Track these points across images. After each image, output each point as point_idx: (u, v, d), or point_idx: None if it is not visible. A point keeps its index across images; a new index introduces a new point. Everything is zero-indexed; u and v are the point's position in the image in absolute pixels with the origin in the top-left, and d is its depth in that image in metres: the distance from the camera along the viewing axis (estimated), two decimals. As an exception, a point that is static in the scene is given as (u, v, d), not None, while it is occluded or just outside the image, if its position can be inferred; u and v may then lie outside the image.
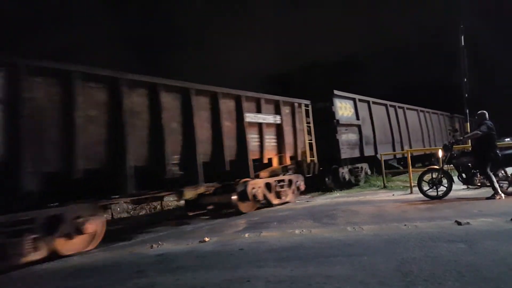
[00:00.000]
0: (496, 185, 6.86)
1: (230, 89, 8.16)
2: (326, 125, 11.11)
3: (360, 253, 3.91)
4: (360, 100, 12.95)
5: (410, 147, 14.99)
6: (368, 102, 13.37)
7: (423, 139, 17.15)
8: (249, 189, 8.04)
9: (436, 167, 7.93)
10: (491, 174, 6.89)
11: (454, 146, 7.59)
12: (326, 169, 11.25)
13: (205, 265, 4.06)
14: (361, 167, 12.83)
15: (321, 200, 9.56)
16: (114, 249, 5.64)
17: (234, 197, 7.89)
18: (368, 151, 12.78)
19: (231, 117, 8.08)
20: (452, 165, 7.49)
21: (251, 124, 8.42)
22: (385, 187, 10.87)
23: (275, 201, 8.91)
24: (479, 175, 7.18)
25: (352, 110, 12.36)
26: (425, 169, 8.08)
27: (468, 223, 4.85)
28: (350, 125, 12.03)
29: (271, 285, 3.17)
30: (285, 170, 9.44)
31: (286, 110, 9.55)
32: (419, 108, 17.27)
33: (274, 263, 3.84)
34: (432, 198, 7.40)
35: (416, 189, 8.13)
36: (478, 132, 7.03)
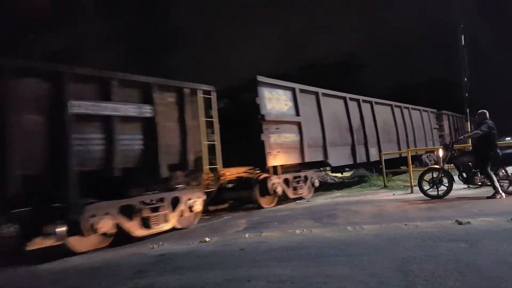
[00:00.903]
0: (497, 184, 6.86)
1: (40, 62, 5.55)
2: (249, 122, 8.70)
3: (361, 253, 3.91)
4: (302, 90, 10.14)
5: (379, 149, 12.85)
6: (316, 94, 10.65)
7: (399, 139, 14.54)
8: (84, 219, 5.40)
9: (436, 166, 7.94)
10: (491, 173, 6.89)
11: (454, 146, 7.60)
12: (254, 180, 8.83)
13: (206, 265, 4.06)
14: (305, 177, 10.05)
15: (321, 200, 9.55)
16: (115, 249, 5.64)
17: (60, 229, 5.26)
18: (313, 156, 9.98)
19: (41, 106, 5.23)
20: (452, 165, 7.49)
21: (86, 117, 5.60)
22: (385, 186, 10.86)
23: (140, 232, 6.14)
24: (479, 175, 7.17)
25: (290, 104, 9.61)
26: (426, 168, 8.08)
27: (468, 222, 4.85)
28: (284, 122, 9.26)
29: (271, 285, 3.17)
30: (172, 184, 6.88)
31: (166, 98, 6.78)
32: (393, 103, 14.75)
33: (274, 263, 3.84)
34: (432, 197, 7.40)
35: (416, 188, 8.13)
36: (479, 131, 7.03)
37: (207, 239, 5.44)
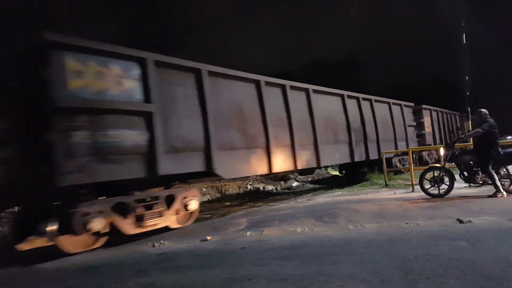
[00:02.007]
0: (498, 183, 6.86)
1: None
2: (32, 110, 5.27)
3: (362, 251, 3.91)
4: (162, 64, 6.52)
5: (316, 151, 9.86)
6: (195, 72, 7.00)
7: (351, 139, 11.38)
8: None
9: (437, 165, 7.94)
10: (493, 172, 6.89)
11: (455, 144, 7.60)
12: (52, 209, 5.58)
13: (207, 263, 4.07)
14: (168, 197, 6.62)
15: (322, 198, 9.55)
16: (116, 247, 5.64)
17: None
18: (181, 165, 6.53)
19: None
20: (454, 163, 7.49)
21: None
22: (386, 185, 10.86)
23: None
24: (480, 173, 7.17)
25: (133, 83, 6.04)
26: (427, 167, 8.08)
27: (469, 221, 4.85)
28: (112, 111, 5.65)
29: (272, 284, 3.18)
30: None
31: None
32: (346, 93, 11.59)
33: (275, 261, 3.85)
34: (433, 196, 7.40)
35: (417, 187, 8.13)
36: (480, 130, 7.03)
37: (208, 237, 5.44)
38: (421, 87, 35.83)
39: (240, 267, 3.76)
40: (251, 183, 15.67)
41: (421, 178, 7.59)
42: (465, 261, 3.30)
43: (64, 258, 5.20)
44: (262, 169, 8.42)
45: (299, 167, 9.39)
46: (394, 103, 14.38)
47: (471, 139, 7.83)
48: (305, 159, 9.57)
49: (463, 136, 8.17)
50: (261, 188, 15.15)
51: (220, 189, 14.33)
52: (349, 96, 11.78)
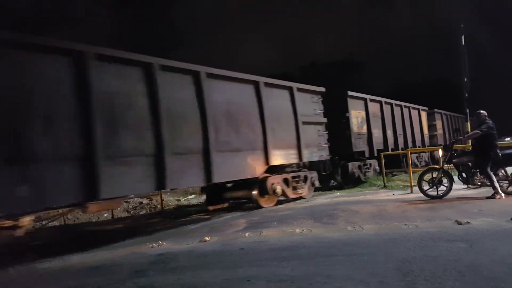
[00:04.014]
0: (496, 184, 6.87)
1: None
2: None
3: (361, 252, 3.91)
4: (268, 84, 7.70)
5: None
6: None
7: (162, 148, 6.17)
8: None
9: (436, 166, 7.95)
10: (491, 173, 6.90)
11: (454, 146, 7.62)
12: None
13: (206, 264, 4.06)
14: None
15: (321, 199, 9.55)
16: (114, 248, 5.64)
17: None
18: None
19: None
20: (452, 165, 7.50)
21: None
22: (385, 186, 10.86)
23: None
24: (479, 175, 7.18)
25: None
26: (425, 168, 8.10)
27: (468, 222, 4.85)
28: None
29: (271, 285, 3.18)
30: None
31: None
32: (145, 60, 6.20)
33: (274, 262, 3.85)
34: (432, 197, 7.41)
35: (416, 188, 8.14)
36: (478, 131, 7.05)
37: (207, 238, 5.44)
38: (422, 87, 35.85)
39: (239, 268, 3.76)
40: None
41: (420, 180, 7.59)
42: (463, 262, 3.31)
43: (63, 258, 5.19)
44: None
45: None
46: (268, 84, 8.62)
47: (470, 140, 7.85)
48: None
49: (461, 137, 8.20)
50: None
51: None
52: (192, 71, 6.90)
